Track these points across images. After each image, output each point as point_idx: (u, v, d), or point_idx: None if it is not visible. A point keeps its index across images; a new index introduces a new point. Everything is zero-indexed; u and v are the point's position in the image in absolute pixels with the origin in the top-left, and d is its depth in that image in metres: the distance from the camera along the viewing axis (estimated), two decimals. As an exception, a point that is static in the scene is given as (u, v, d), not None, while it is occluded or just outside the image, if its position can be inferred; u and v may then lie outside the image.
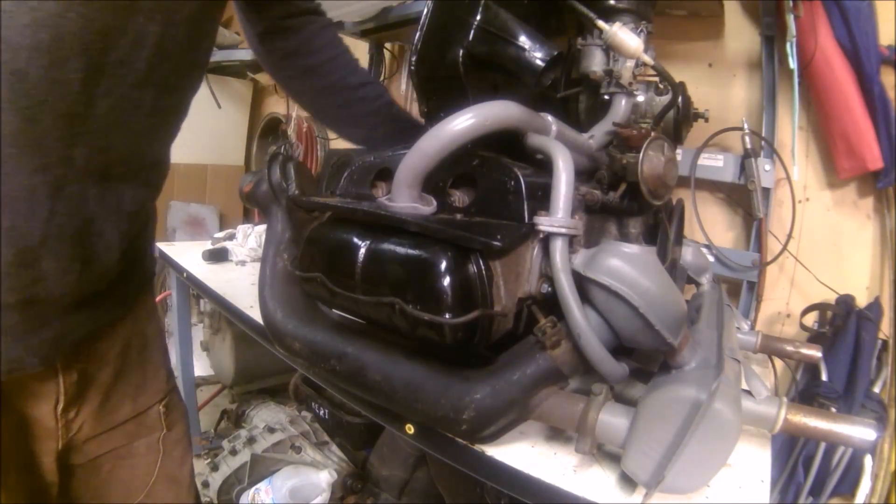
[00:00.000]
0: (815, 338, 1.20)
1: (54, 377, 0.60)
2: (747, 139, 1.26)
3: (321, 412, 1.67)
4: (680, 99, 0.90)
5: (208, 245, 1.76)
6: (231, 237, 1.85)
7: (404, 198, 0.63)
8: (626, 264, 0.57)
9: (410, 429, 0.70)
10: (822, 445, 1.10)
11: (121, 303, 0.66)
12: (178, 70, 0.57)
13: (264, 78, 2.80)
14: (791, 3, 1.09)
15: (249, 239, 1.75)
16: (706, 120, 1.03)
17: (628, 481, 0.60)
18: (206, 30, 0.61)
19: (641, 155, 0.68)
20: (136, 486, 0.73)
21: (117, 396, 0.69)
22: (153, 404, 0.74)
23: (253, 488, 1.45)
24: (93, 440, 0.67)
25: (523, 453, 0.65)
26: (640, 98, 0.93)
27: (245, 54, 2.78)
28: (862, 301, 1.19)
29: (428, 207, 0.65)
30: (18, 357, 0.53)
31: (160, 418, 0.75)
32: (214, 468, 1.54)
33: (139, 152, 0.57)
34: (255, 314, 0.96)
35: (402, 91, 2.18)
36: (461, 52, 0.77)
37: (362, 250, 0.64)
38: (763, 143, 1.26)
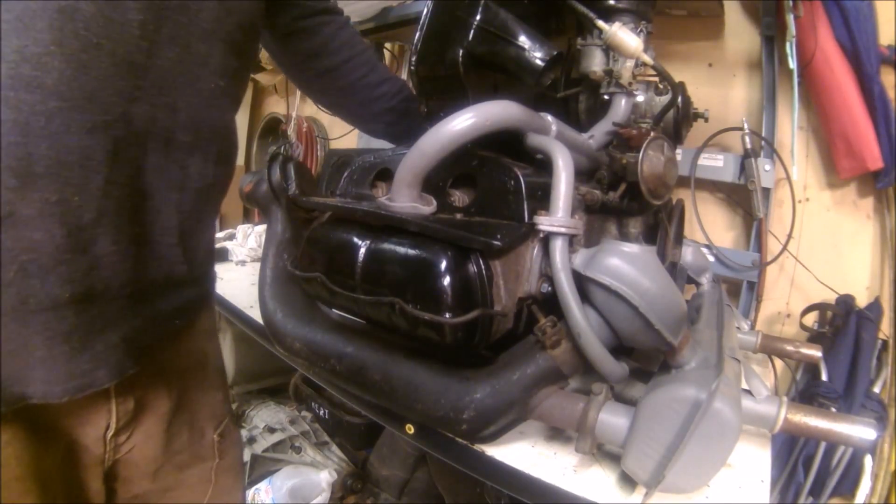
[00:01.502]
0: (815, 338, 1.20)
1: (106, 402, 0.50)
2: (747, 139, 1.26)
3: (321, 412, 1.67)
4: (680, 99, 0.90)
5: (208, 245, 1.75)
6: (231, 237, 1.85)
7: (404, 198, 0.63)
8: (626, 264, 0.57)
9: (410, 429, 0.70)
10: (822, 445, 1.10)
11: (182, 309, 0.56)
12: (243, 28, 0.51)
13: (264, 78, 2.80)
14: (791, 3, 1.09)
15: (249, 239, 1.75)
16: (706, 120, 1.03)
17: (628, 481, 0.60)
18: None
19: (641, 155, 0.68)
20: None
21: (177, 424, 0.60)
22: (209, 432, 0.67)
23: (253, 488, 1.45)
24: (146, 477, 0.59)
25: (523, 453, 0.65)
26: (640, 98, 0.93)
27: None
28: (862, 301, 1.19)
29: (428, 207, 0.65)
30: (83, 371, 0.43)
31: (213, 447, 0.67)
32: (214, 468, 1.54)
33: (206, 118, 0.50)
34: (255, 314, 0.96)
35: (402, 91, 2.18)
36: (461, 52, 0.77)
37: (362, 250, 0.64)
38: (763, 143, 1.26)
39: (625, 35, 0.75)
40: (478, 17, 0.77)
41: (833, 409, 1.04)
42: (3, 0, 0.34)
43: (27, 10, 0.34)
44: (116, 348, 0.45)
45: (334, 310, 0.78)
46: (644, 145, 0.69)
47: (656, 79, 0.92)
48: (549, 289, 0.62)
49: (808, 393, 1.12)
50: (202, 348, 0.66)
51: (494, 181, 0.67)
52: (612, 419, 0.58)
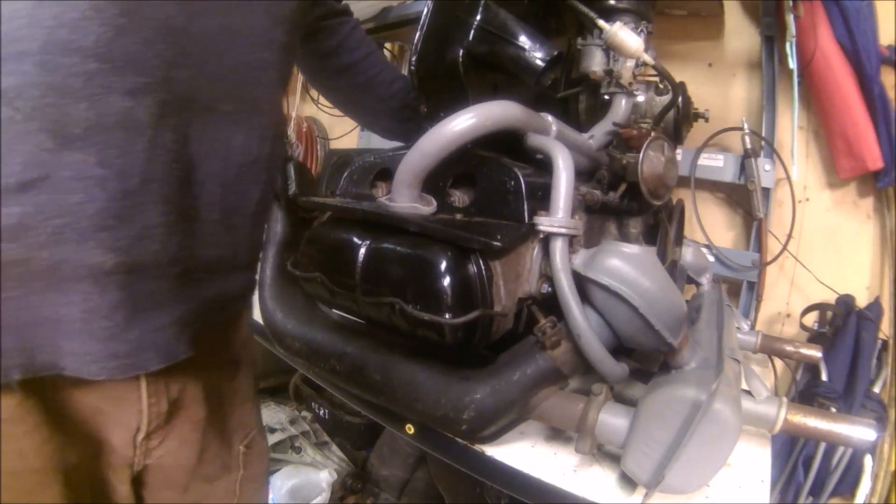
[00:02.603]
0: (815, 338, 1.20)
1: (137, 402, 0.47)
2: (747, 139, 1.25)
3: (321, 412, 1.67)
4: (680, 99, 0.90)
5: (208, 245, 1.75)
6: (231, 237, 1.85)
7: (404, 198, 0.63)
8: (626, 264, 0.57)
9: (410, 429, 0.70)
10: (822, 445, 1.10)
11: (225, 300, 0.53)
12: (289, 4, 0.50)
13: (264, 78, 2.80)
14: (791, 3, 1.08)
15: (249, 239, 1.75)
16: (706, 120, 1.03)
17: (628, 481, 0.60)
18: None
19: (641, 155, 0.68)
20: None
21: (211, 433, 0.57)
22: (236, 443, 0.63)
23: (253, 488, 1.45)
24: (177, 488, 0.56)
25: (523, 453, 0.65)
26: (640, 98, 0.93)
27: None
28: (862, 301, 1.19)
29: (428, 207, 0.65)
30: (127, 350, 0.40)
31: (239, 458, 0.64)
32: (214, 468, 1.54)
33: (249, 90, 0.48)
34: (255, 314, 0.96)
35: (402, 91, 2.18)
36: (461, 51, 0.77)
37: (362, 250, 0.64)
38: (763, 143, 1.26)
39: (625, 35, 0.75)
40: (478, 17, 0.77)
41: (833, 410, 1.04)
42: None
43: None
44: (167, 330, 0.43)
45: (334, 310, 0.78)
46: (644, 145, 0.69)
47: (656, 79, 0.92)
48: (549, 289, 0.62)
49: (807, 393, 1.12)
50: (237, 355, 0.63)
51: (494, 181, 0.67)
52: (612, 419, 0.58)
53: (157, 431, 0.50)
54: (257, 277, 0.80)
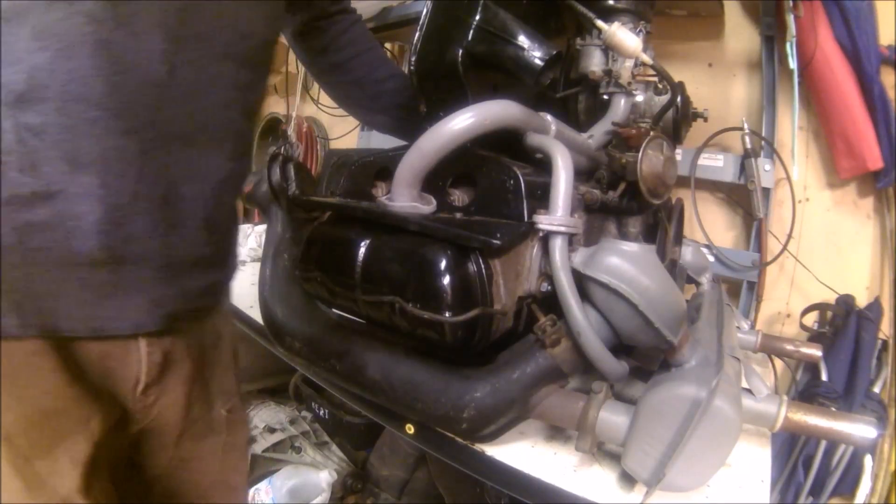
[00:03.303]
0: (815, 338, 1.20)
1: (137, 352, 0.57)
2: (747, 139, 1.26)
3: (321, 412, 1.67)
4: (679, 98, 0.90)
5: (208, 245, 1.75)
6: (231, 237, 1.85)
7: (404, 197, 0.63)
8: (625, 262, 0.57)
9: (410, 429, 0.70)
10: (823, 445, 1.10)
11: (208, 290, 0.63)
12: (255, 48, 0.61)
13: (264, 78, 2.80)
14: (791, 3, 1.09)
15: (249, 239, 1.75)
16: (706, 120, 1.03)
17: (628, 480, 0.60)
18: (279, 7, 0.67)
19: (640, 154, 0.68)
20: (197, 491, 0.70)
21: (196, 390, 0.67)
22: (217, 405, 0.72)
23: (253, 488, 1.45)
24: (169, 447, 0.65)
25: (523, 453, 0.65)
26: (640, 98, 0.93)
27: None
28: (862, 301, 1.19)
29: (427, 207, 0.65)
30: (106, 316, 0.53)
31: (223, 421, 0.73)
32: (214, 468, 1.54)
33: (221, 123, 0.59)
34: (255, 314, 0.96)
35: (403, 91, 2.18)
36: (460, 51, 0.77)
37: (362, 250, 0.64)
38: (763, 143, 1.26)
39: (624, 35, 0.75)
40: (477, 17, 0.77)
41: (833, 409, 1.04)
42: (53, 35, 0.45)
43: (73, 43, 0.46)
44: (139, 308, 0.55)
45: (334, 309, 0.78)
46: (643, 145, 0.69)
47: (656, 79, 0.92)
48: (549, 287, 0.63)
49: (808, 393, 1.12)
50: (219, 329, 0.72)
51: (494, 181, 0.67)
52: (612, 417, 0.58)
53: (153, 386, 0.60)
54: (259, 277, 0.88)
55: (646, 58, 0.77)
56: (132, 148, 0.50)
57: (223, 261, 0.66)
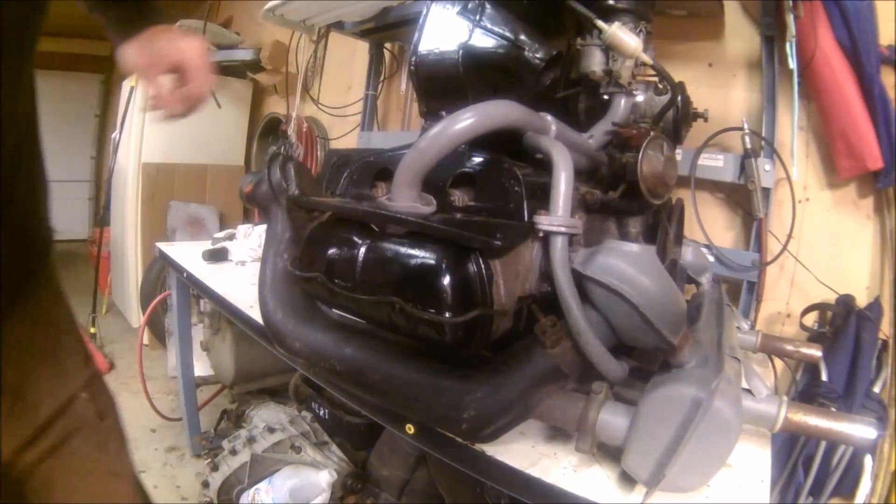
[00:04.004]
0: (815, 338, 1.20)
1: None
2: (747, 139, 1.26)
3: (321, 412, 1.67)
4: (679, 98, 0.90)
5: (208, 245, 1.76)
6: (231, 237, 1.85)
7: (404, 197, 0.63)
8: (625, 263, 0.57)
9: (410, 429, 0.70)
10: (823, 445, 1.10)
11: (11, 282, 0.57)
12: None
13: (264, 78, 2.80)
14: (791, 3, 1.09)
15: (249, 239, 1.75)
16: (706, 120, 1.03)
17: (628, 481, 0.60)
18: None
19: (641, 154, 0.68)
20: (80, 488, 0.66)
21: (32, 393, 0.62)
22: (76, 392, 0.67)
23: (253, 488, 1.45)
24: (22, 453, 0.60)
25: (523, 453, 0.65)
26: (640, 98, 0.93)
27: (245, 54, 2.78)
28: (862, 301, 1.19)
29: (428, 207, 0.65)
30: None
31: (88, 407, 0.68)
32: (214, 468, 1.54)
33: None
34: (255, 314, 0.96)
35: (402, 91, 2.18)
36: (461, 52, 0.77)
37: (362, 250, 0.64)
38: (763, 143, 1.26)
39: (624, 35, 0.76)
40: (477, 17, 0.77)
41: (833, 409, 1.04)
42: None
43: None
44: None
45: (334, 310, 0.78)
46: (643, 145, 0.69)
47: (656, 79, 0.92)
48: (549, 288, 0.62)
49: (808, 393, 1.12)
50: (47, 314, 0.66)
51: (494, 181, 0.67)
52: (612, 418, 0.58)
53: None
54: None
55: (646, 58, 0.77)
56: None
57: (13, 234, 0.58)
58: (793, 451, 1.14)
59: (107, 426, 0.70)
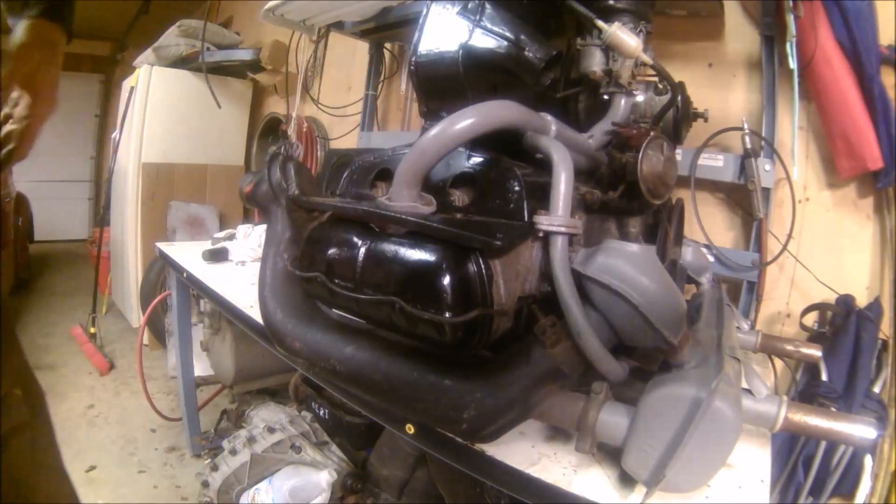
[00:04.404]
0: (815, 338, 1.20)
1: None
2: (747, 139, 1.26)
3: (321, 412, 1.66)
4: (679, 98, 0.90)
5: (208, 245, 1.76)
6: (231, 237, 1.85)
7: (404, 197, 0.63)
8: (625, 263, 0.57)
9: (410, 429, 0.70)
10: (823, 445, 1.10)
11: None
12: None
13: (264, 78, 2.81)
14: (791, 3, 1.09)
15: (249, 239, 1.75)
16: (706, 120, 1.03)
17: (628, 481, 0.60)
18: None
19: (641, 154, 0.68)
20: (14, 482, 0.66)
21: None
22: (8, 389, 0.68)
23: (253, 488, 1.45)
24: None
25: (523, 453, 0.65)
26: (640, 98, 0.93)
27: (245, 54, 2.78)
28: (862, 301, 1.19)
29: (428, 207, 0.65)
30: None
31: (20, 403, 0.69)
32: (214, 468, 1.54)
33: None
34: (255, 314, 0.96)
35: (402, 91, 2.18)
36: (461, 52, 0.77)
37: (362, 250, 0.64)
38: (763, 143, 1.26)
39: (624, 35, 0.76)
40: (477, 17, 0.77)
41: (833, 409, 1.04)
42: None
43: None
44: None
45: (334, 310, 0.78)
46: (643, 145, 0.69)
47: (656, 79, 0.92)
48: (549, 288, 0.62)
49: (808, 393, 1.12)
50: None
51: (494, 181, 0.67)
52: (612, 418, 0.58)
53: None
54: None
55: (646, 58, 0.77)
56: None
57: None
58: (793, 451, 1.14)
59: (38, 423, 0.70)
